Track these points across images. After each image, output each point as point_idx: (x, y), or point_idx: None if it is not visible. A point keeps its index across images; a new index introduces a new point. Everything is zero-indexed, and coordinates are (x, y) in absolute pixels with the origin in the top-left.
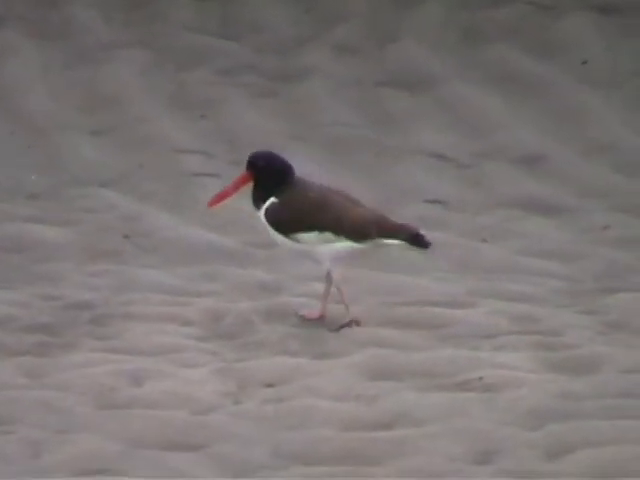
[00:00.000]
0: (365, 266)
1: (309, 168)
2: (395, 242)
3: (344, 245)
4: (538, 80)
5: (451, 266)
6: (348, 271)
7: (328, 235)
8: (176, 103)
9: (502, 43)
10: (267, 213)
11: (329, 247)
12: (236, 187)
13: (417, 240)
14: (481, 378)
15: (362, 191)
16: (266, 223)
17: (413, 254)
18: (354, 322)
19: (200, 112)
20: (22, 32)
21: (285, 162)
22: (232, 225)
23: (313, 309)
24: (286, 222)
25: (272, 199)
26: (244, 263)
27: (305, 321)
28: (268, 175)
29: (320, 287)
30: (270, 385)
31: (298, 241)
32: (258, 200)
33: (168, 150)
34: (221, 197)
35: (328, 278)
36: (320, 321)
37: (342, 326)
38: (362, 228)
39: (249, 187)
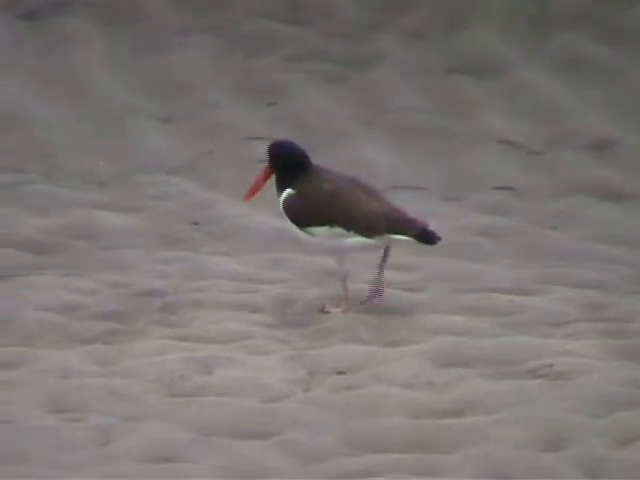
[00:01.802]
0: (431, 253)
1: (379, 153)
2: (404, 238)
3: (355, 240)
4: (607, 66)
5: (520, 253)
6: (415, 258)
7: (339, 230)
8: (245, 90)
9: (571, 29)
10: (284, 205)
11: (340, 242)
12: (263, 179)
13: (425, 236)
14: (551, 365)
15: (431, 177)
16: (282, 213)
17: (482, 240)
18: (325, 310)
19: (269, 99)
20: (91, 18)
21: (299, 151)
22: None
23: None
24: (300, 216)
25: (289, 190)
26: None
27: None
28: (283, 164)
29: (390, 274)
30: (340, 372)
31: (312, 235)
32: (278, 190)
33: (237, 137)
34: (253, 191)
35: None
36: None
37: (324, 311)
38: (372, 224)
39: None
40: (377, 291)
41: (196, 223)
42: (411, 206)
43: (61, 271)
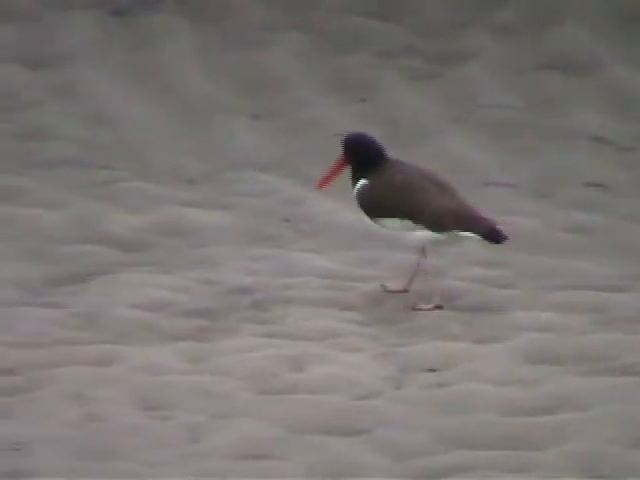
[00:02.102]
0: (524, 249)
1: (470, 150)
2: (471, 235)
3: (423, 234)
4: None
5: (610, 249)
6: (506, 254)
7: (408, 223)
8: (335, 86)
9: None
10: (357, 195)
11: (410, 235)
12: (336, 169)
13: (493, 235)
14: None
15: (522, 174)
16: (356, 203)
17: (572, 237)
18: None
19: (359, 95)
20: (180, 15)
21: (374, 143)
22: None
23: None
24: (372, 206)
25: (363, 181)
26: (404, 247)
27: (390, 294)
28: (357, 156)
29: (481, 271)
30: (431, 370)
31: (382, 226)
32: (353, 181)
33: (327, 134)
34: (326, 180)
35: (420, 255)
36: (401, 295)
37: (415, 308)
38: (440, 219)
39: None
40: (407, 282)
41: (287, 220)
42: (501, 203)
43: (151, 268)
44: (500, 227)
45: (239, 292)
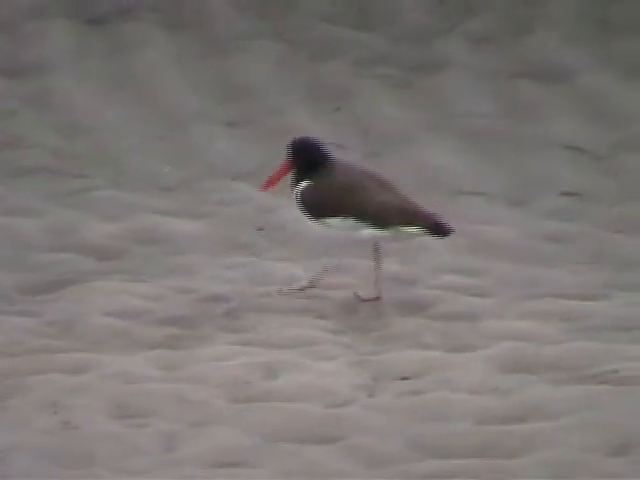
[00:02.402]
0: (498, 258)
1: (444, 158)
2: (415, 230)
3: (368, 232)
4: None
5: (586, 258)
6: (481, 262)
7: (351, 221)
8: (311, 94)
9: (637, 35)
10: (299, 196)
11: (354, 233)
12: (281, 172)
13: (437, 228)
14: (616, 371)
15: (497, 182)
16: (298, 206)
17: (548, 245)
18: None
19: (334, 103)
20: (156, 23)
21: (318, 146)
22: None
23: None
24: (315, 206)
25: (306, 182)
26: (349, 247)
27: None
28: (302, 159)
29: (455, 279)
30: (405, 378)
31: (326, 226)
32: (293, 182)
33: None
34: (270, 182)
35: (376, 257)
36: (375, 303)
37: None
38: (384, 215)
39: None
40: (377, 289)
41: (261, 229)
42: (476, 211)
43: (126, 276)
44: (444, 221)
45: (214, 300)
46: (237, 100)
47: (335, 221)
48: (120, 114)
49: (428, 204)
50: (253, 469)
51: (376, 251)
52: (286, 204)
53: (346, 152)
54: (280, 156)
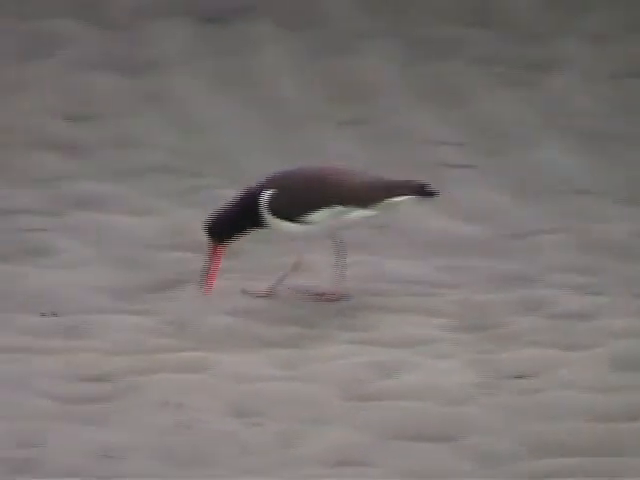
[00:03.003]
0: (612, 256)
1: (558, 158)
2: (404, 198)
3: (357, 214)
4: None
5: None
6: (594, 261)
7: (338, 208)
8: (429, 93)
9: None
10: (268, 205)
11: (342, 220)
12: (216, 262)
13: (425, 191)
14: None
15: (611, 181)
16: (270, 217)
17: None
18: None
19: (452, 102)
20: (272, 22)
21: (231, 209)
22: (482, 215)
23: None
24: (292, 206)
25: (268, 193)
26: (495, 254)
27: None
28: (232, 226)
29: (569, 278)
30: (521, 376)
31: (309, 223)
32: (244, 228)
33: (421, 141)
34: (211, 281)
35: (340, 251)
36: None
37: (258, 294)
38: (368, 193)
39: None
40: (337, 286)
41: (378, 227)
42: (592, 210)
43: (243, 275)
44: (426, 183)
45: (330, 299)
46: (353, 100)
47: (321, 214)
48: (236, 113)
49: (543, 202)
50: (368, 468)
51: (339, 243)
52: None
53: (465, 151)
54: (394, 156)
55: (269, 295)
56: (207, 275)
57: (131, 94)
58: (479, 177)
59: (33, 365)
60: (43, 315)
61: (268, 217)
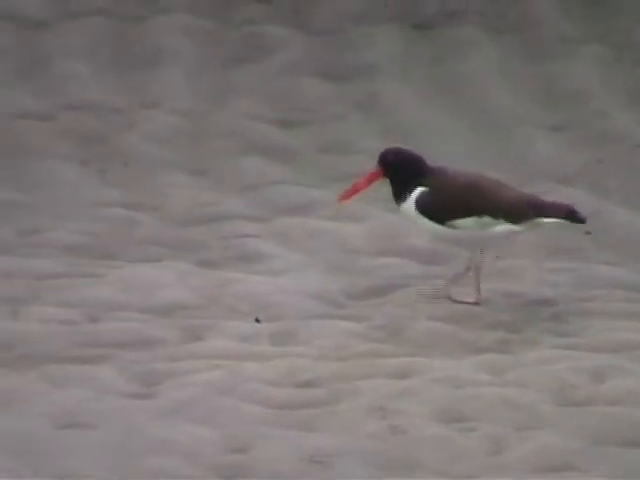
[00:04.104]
0: None
1: None
2: (554, 220)
3: (503, 228)
4: None
5: None
6: None
7: (486, 219)
8: (634, 98)
9: None
10: (418, 203)
11: (487, 232)
12: (367, 182)
13: (575, 216)
14: None
15: None
16: (417, 214)
17: None
18: (476, 303)
19: None
20: (482, 27)
21: (414, 155)
22: None
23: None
24: (442, 209)
25: (420, 189)
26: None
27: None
28: (399, 169)
29: None
30: None
31: (455, 227)
32: (400, 194)
33: (628, 145)
34: (351, 192)
35: (473, 263)
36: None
37: (461, 302)
38: (520, 209)
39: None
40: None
41: (588, 232)
42: None
43: (451, 280)
44: (576, 208)
45: (539, 304)
46: (561, 104)
47: (468, 221)
48: (444, 119)
49: None
50: (580, 473)
51: (478, 254)
52: (613, 208)
53: None
54: (602, 159)
55: (476, 302)
56: (351, 187)
57: (339, 100)
58: None
59: (244, 371)
60: (257, 321)
61: (415, 213)
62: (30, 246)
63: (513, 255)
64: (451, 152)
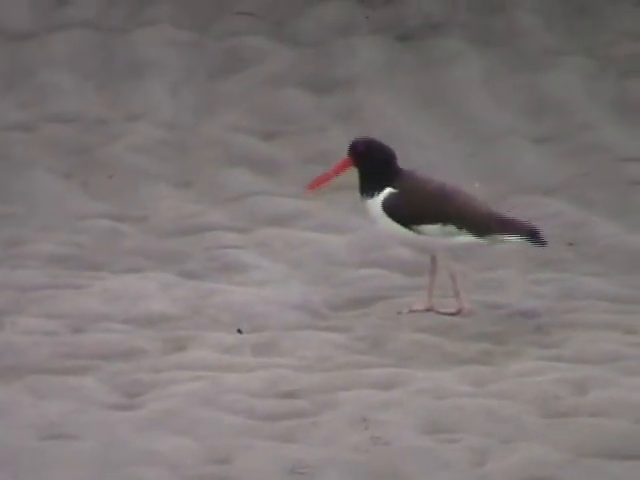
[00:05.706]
0: None
1: None
2: (514, 239)
3: (464, 239)
4: None
5: None
6: None
7: (451, 228)
8: (619, 110)
9: None
10: (386, 203)
11: (449, 240)
12: (336, 171)
13: (536, 237)
14: None
15: None
16: (382, 214)
17: None
18: (460, 312)
19: None
20: (466, 39)
21: (385, 146)
22: None
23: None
24: (409, 213)
25: (389, 189)
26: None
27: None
28: (369, 160)
29: None
30: None
31: (420, 233)
32: (369, 190)
33: (612, 158)
34: (320, 181)
35: (433, 269)
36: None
37: (447, 313)
38: (485, 223)
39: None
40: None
41: (570, 244)
42: None
43: (435, 292)
44: (539, 229)
45: (524, 315)
46: (546, 116)
47: (433, 228)
48: (428, 130)
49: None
50: None
51: (452, 263)
52: (596, 220)
53: None
54: (586, 171)
55: (459, 313)
56: (321, 176)
57: (322, 111)
58: None
59: (226, 381)
60: (240, 332)
61: (380, 213)
62: (14, 257)
63: (497, 266)
64: (435, 164)
